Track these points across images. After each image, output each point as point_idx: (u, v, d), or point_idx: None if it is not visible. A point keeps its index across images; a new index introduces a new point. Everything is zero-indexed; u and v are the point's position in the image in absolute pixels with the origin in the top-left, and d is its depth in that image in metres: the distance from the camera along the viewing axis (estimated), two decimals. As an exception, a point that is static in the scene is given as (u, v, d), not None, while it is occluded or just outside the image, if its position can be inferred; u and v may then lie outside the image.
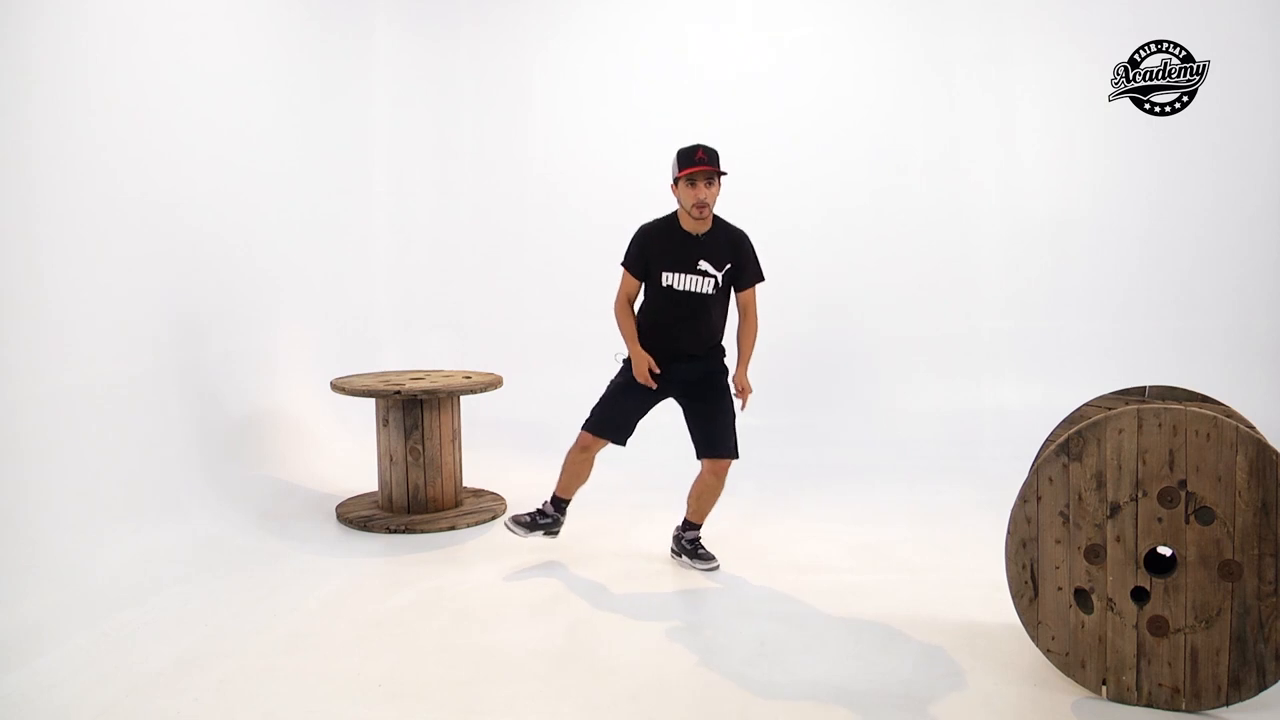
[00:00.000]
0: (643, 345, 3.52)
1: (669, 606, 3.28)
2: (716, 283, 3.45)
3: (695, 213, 3.37)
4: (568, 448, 3.64)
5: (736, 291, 3.55)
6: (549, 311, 6.20)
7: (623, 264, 3.57)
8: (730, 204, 3.93)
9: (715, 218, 3.49)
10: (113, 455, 3.76)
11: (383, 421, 4.32)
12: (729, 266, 3.47)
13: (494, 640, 2.94)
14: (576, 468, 3.62)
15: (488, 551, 3.86)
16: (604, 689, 2.61)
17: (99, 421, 3.73)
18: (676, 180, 3.39)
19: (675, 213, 3.50)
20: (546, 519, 3.70)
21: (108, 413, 3.78)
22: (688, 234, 3.45)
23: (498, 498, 4.56)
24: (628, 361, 3.56)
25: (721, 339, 3.59)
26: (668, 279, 3.44)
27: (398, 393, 4.14)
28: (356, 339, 5.94)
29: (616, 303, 3.59)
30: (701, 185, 3.34)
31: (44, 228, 3.50)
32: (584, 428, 3.57)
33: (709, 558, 3.63)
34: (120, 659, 2.76)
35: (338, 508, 4.37)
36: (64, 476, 3.49)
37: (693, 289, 3.44)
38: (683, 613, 3.22)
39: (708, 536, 3.73)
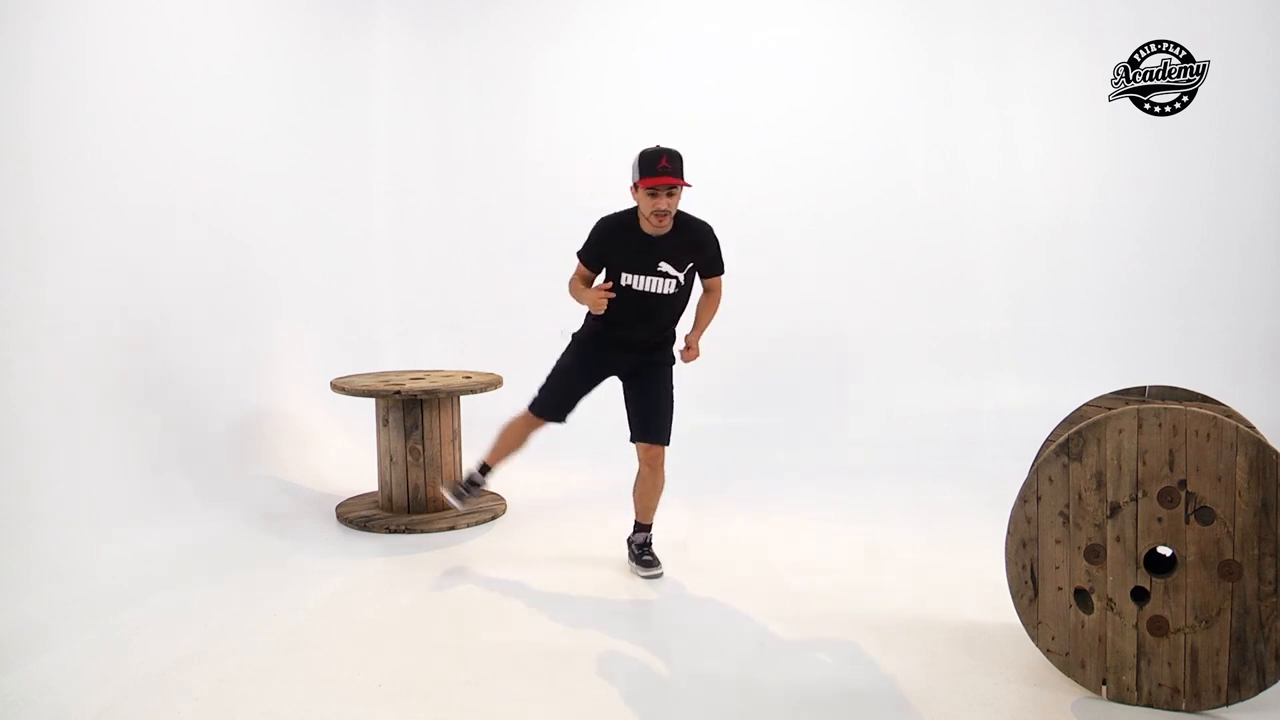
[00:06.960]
0: (598, 334, 3.45)
1: (669, 607, 3.28)
2: (678, 283, 3.31)
3: (655, 220, 3.18)
4: (568, 446, 3.62)
5: (701, 279, 3.46)
6: (549, 311, 6.19)
7: (578, 253, 3.38)
8: (731, 204, 3.94)
9: (677, 214, 3.25)
10: (113, 455, 3.76)
11: (383, 421, 4.32)
12: (690, 266, 3.34)
13: (494, 640, 2.94)
14: (514, 441, 3.57)
15: (488, 551, 3.86)
16: (605, 689, 2.61)
17: (99, 421, 3.73)
18: (636, 185, 3.17)
19: (637, 210, 3.28)
20: (476, 487, 3.68)
21: (108, 413, 3.78)
22: (648, 236, 3.25)
23: (498, 498, 4.56)
24: (575, 340, 3.51)
25: (674, 328, 3.50)
26: (627, 279, 3.29)
27: (398, 393, 4.14)
28: (356, 339, 5.94)
29: (569, 284, 3.42)
30: (664, 197, 3.13)
31: (44, 228, 3.50)
32: (529, 408, 3.52)
33: (652, 564, 3.51)
34: (120, 659, 2.76)
35: (338, 508, 4.37)
36: (64, 476, 3.49)
37: (652, 289, 3.30)
38: (683, 613, 3.22)
39: (696, 534, 3.71)
